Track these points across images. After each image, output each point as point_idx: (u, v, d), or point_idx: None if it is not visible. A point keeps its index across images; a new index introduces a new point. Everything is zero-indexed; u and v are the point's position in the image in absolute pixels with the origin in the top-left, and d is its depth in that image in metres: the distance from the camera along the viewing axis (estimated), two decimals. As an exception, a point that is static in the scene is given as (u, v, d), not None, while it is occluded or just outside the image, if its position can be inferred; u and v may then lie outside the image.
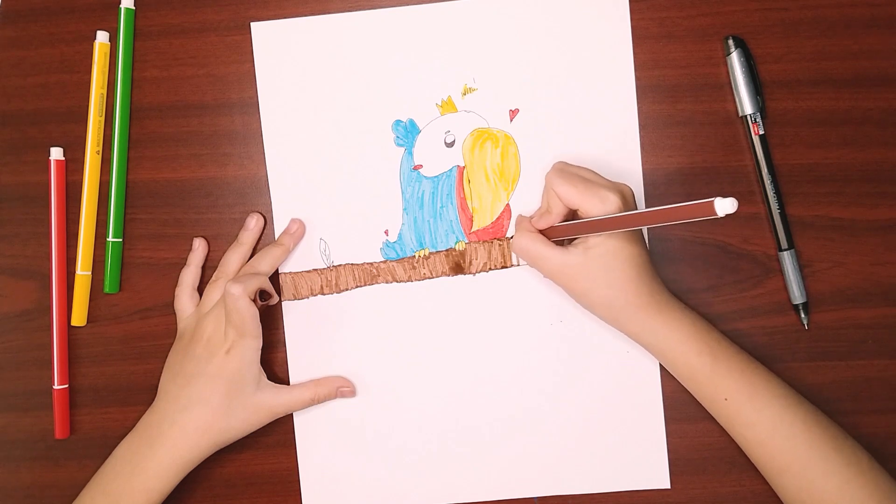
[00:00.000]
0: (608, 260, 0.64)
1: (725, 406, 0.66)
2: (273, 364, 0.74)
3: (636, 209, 0.66)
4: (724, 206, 0.51)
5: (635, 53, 0.72)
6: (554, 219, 0.67)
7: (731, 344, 0.67)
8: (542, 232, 0.68)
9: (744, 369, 0.66)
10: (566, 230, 0.66)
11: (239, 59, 0.74)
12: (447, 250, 0.73)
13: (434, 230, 0.73)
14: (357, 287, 0.74)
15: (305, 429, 0.74)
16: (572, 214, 0.67)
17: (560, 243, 0.67)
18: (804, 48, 0.72)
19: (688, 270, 0.71)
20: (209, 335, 0.68)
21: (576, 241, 0.66)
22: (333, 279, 0.73)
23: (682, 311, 0.67)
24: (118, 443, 0.69)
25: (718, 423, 0.71)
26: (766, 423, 0.64)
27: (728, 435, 0.71)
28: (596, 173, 0.68)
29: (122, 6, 0.73)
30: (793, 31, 0.72)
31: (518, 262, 0.73)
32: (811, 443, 0.64)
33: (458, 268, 0.73)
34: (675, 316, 0.66)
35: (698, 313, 0.68)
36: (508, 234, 0.73)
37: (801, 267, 0.71)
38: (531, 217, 0.70)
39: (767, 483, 0.70)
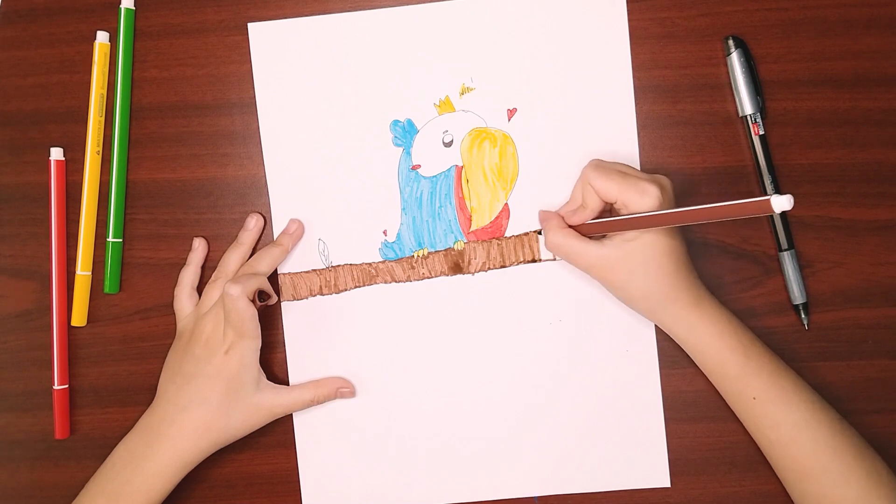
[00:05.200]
0: (646, 252, 0.64)
1: (752, 405, 0.66)
2: (272, 364, 0.74)
3: (674, 200, 0.66)
4: (782, 203, 0.51)
5: (635, 54, 0.72)
6: (589, 214, 0.67)
7: (763, 344, 0.67)
8: (576, 227, 0.68)
9: (773, 370, 0.66)
10: (606, 226, 0.66)
11: (239, 60, 0.74)
12: (446, 250, 0.73)
13: (432, 230, 0.73)
14: (356, 287, 0.73)
15: (305, 429, 0.74)
16: (607, 209, 0.67)
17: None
18: (804, 48, 0.72)
19: (688, 270, 0.71)
20: (208, 335, 0.68)
21: (611, 234, 0.66)
22: (332, 279, 0.73)
23: (717, 306, 0.67)
24: (118, 443, 0.70)
25: (720, 424, 0.71)
26: (790, 425, 0.64)
27: (728, 436, 0.72)
28: (632, 167, 0.67)
29: (122, 6, 0.73)
30: (793, 31, 0.72)
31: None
32: (834, 449, 0.63)
33: (456, 267, 0.73)
34: (711, 311, 0.66)
35: (732, 311, 0.68)
36: (507, 234, 0.73)
37: (801, 267, 0.71)
38: (560, 212, 0.69)
39: (767, 484, 0.71)
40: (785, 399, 0.65)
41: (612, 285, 0.67)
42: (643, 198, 0.63)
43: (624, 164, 0.68)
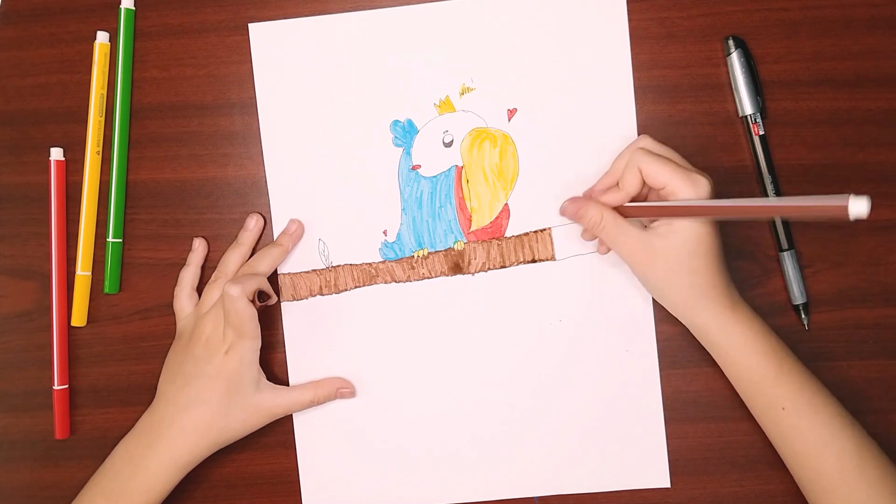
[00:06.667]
0: (693, 246, 0.62)
1: (781, 416, 0.64)
2: (272, 365, 0.74)
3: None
4: (859, 207, 0.49)
5: (635, 54, 0.72)
6: (623, 197, 0.65)
7: (794, 355, 0.66)
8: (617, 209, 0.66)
9: (804, 382, 0.64)
10: (657, 211, 0.63)
11: (239, 60, 0.74)
12: (446, 250, 0.73)
13: (433, 230, 0.73)
14: (356, 287, 0.73)
15: (305, 429, 0.74)
16: (643, 196, 0.66)
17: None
18: (804, 48, 0.72)
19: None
20: (208, 335, 0.68)
21: (656, 223, 0.64)
22: (332, 280, 0.73)
23: (750, 311, 0.65)
24: (118, 443, 0.70)
25: (720, 424, 0.71)
26: (818, 439, 0.63)
27: (728, 436, 0.72)
28: (679, 156, 0.65)
29: (122, 6, 0.73)
30: (793, 31, 0.72)
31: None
32: (861, 466, 0.63)
33: (456, 268, 0.73)
34: (746, 315, 0.65)
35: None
36: (507, 234, 0.73)
37: (801, 267, 0.71)
38: (593, 190, 0.67)
39: (768, 484, 0.71)
40: (815, 412, 0.64)
41: (651, 275, 0.65)
42: (696, 188, 0.62)
43: (673, 151, 0.65)
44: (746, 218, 0.58)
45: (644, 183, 0.64)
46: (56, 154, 0.74)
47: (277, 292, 0.74)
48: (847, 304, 0.72)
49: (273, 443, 0.74)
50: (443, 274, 0.73)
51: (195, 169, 0.74)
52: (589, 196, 0.68)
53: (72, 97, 0.74)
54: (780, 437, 0.66)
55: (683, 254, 0.63)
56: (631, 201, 0.65)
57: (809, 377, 0.65)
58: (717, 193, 0.71)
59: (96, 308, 0.75)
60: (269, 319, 0.74)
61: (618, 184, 0.66)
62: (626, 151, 0.66)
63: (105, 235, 0.74)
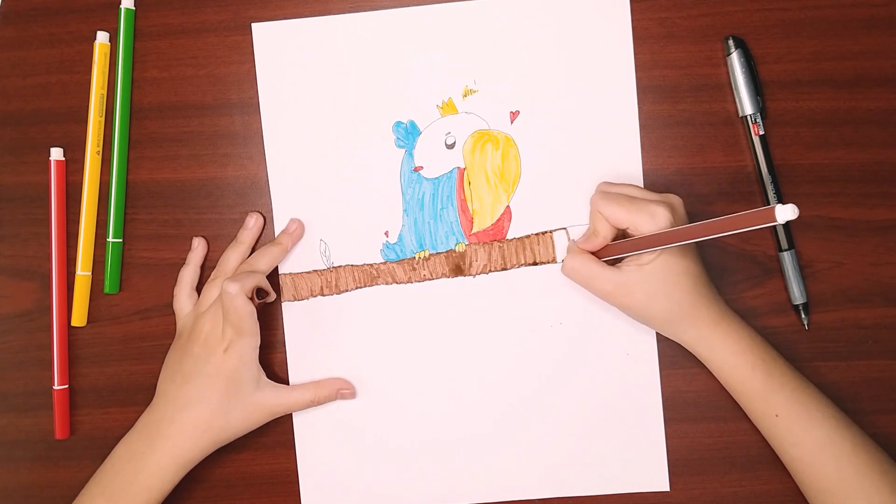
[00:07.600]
0: (664, 274, 0.64)
1: (776, 423, 0.65)
2: (273, 365, 0.74)
3: (687, 219, 0.66)
4: (785, 212, 0.51)
5: (636, 54, 0.72)
6: (600, 241, 0.67)
7: (786, 362, 0.67)
8: (592, 253, 0.68)
9: (796, 387, 0.65)
10: (619, 248, 0.66)
11: (239, 60, 0.74)
12: (447, 252, 0.73)
13: (434, 232, 0.73)
14: (357, 288, 0.73)
15: (305, 429, 0.74)
16: (620, 235, 0.67)
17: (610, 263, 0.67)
18: (804, 48, 0.72)
19: (688, 271, 0.71)
20: (206, 333, 0.68)
21: (627, 260, 0.66)
22: (333, 280, 0.73)
23: (738, 324, 0.67)
24: (118, 442, 0.69)
25: (720, 424, 0.72)
26: (813, 442, 0.64)
27: (728, 436, 0.72)
28: (641, 189, 0.67)
29: (122, 6, 0.73)
30: (793, 31, 0.72)
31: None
32: (857, 466, 0.63)
33: (457, 269, 0.73)
34: (732, 329, 0.66)
35: (754, 328, 0.68)
36: (509, 236, 0.73)
37: (801, 267, 0.71)
38: (577, 240, 0.70)
39: (767, 484, 0.71)
40: (807, 416, 0.65)
41: (632, 309, 0.67)
42: (654, 220, 0.63)
43: (632, 186, 0.68)
44: (693, 240, 0.60)
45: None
46: (56, 154, 0.74)
47: (278, 292, 0.73)
48: (847, 304, 0.72)
49: (273, 443, 0.74)
50: (444, 275, 0.73)
51: (195, 169, 0.74)
52: (573, 244, 0.70)
53: (72, 97, 0.74)
54: (776, 443, 0.66)
55: (657, 283, 0.65)
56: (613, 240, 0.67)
57: (802, 383, 0.66)
58: (715, 195, 0.72)
59: (96, 308, 0.75)
60: (270, 319, 0.74)
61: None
62: (590, 201, 0.68)
63: (105, 235, 0.74)
